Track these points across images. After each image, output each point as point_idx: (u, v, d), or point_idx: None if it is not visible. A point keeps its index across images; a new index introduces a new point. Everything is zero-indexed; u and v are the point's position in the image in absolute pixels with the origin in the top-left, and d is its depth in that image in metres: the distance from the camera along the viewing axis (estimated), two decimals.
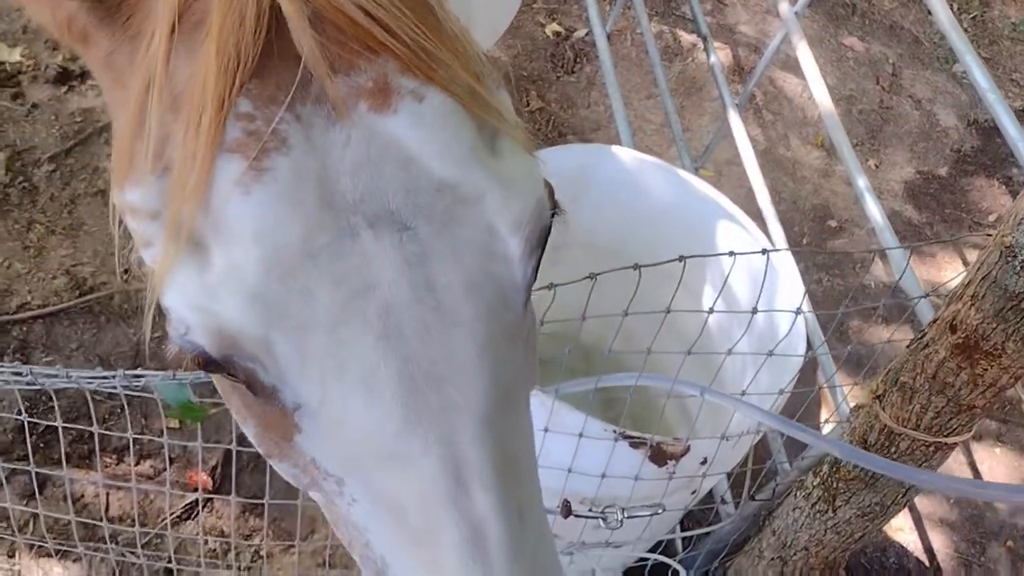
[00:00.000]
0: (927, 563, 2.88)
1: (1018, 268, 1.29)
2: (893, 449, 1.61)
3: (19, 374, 1.68)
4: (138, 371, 1.79)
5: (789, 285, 2.09)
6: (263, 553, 2.61)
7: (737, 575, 2.23)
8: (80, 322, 2.94)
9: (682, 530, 2.48)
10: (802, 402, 2.06)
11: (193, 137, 0.72)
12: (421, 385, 0.77)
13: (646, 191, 2.46)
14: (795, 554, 1.99)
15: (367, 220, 0.73)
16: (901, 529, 2.94)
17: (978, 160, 4.01)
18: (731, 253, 1.44)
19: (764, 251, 1.47)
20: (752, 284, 2.25)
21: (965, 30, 4.39)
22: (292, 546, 2.57)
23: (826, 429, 1.96)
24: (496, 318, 0.80)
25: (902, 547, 2.91)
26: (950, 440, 1.55)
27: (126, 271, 3.09)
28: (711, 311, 1.55)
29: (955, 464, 3.10)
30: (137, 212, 0.80)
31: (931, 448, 1.58)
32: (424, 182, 0.74)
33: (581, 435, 1.78)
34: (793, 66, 2.77)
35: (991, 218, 3.79)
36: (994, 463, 3.14)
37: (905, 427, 1.56)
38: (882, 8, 4.44)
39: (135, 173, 0.77)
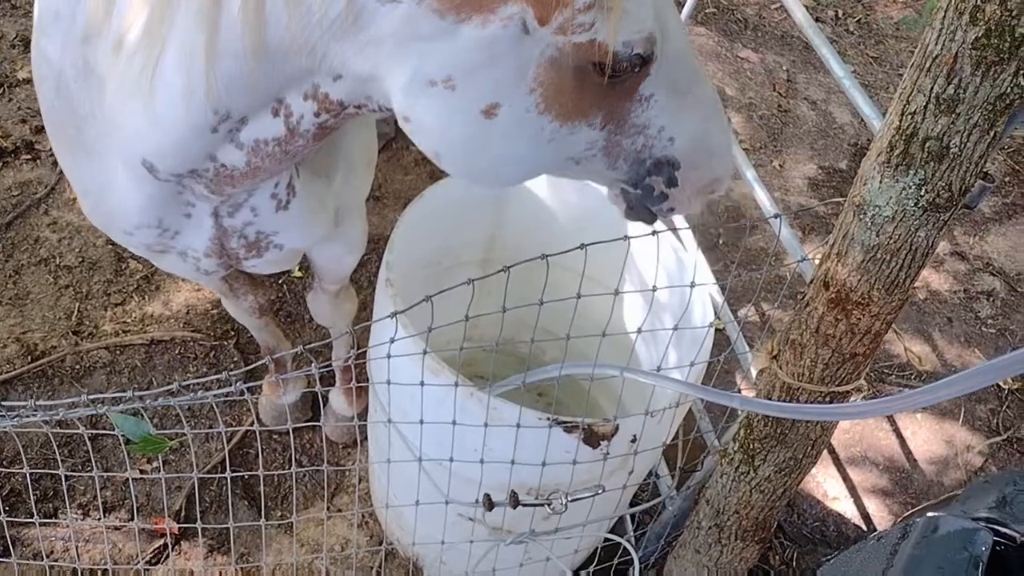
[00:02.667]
0: (864, 527, 3.07)
1: (868, 224, 1.48)
2: (794, 403, 1.80)
3: None
4: (97, 397, 1.88)
5: (700, 276, 2.28)
6: None
7: (682, 548, 2.38)
8: (35, 387, 3.02)
9: (630, 517, 2.64)
10: (719, 376, 2.24)
11: None
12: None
13: (566, 203, 2.64)
14: (728, 519, 2.16)
15: None
16: (837, 498, 3.13)
17: None
18: (626, 238, 1.61)
19: (654, 232, 1.65)
20: (667, 277, 2.44)
21: (851, 33, 4.72)
22: None
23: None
24: None
25: (840, 515, 3.10)
26: (841, 388, 1.73)
27: (76, 332, 3.18)
28: (616, 292, 1.71)
29: (878, 431, 3.31)
30: (584, 8, 1.16)
31: (827, 398, 1.76)
32: None
33: (519, 426, 1.93)
34: None
35: None
36: (917, 428, 3.36)
37: (801, 381, 1.74)
38: (772, 20, 4.75)
39: (569, 1, 1.15)
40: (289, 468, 2.98)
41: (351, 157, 2.04)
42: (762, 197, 2.36)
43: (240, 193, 1.75)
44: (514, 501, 2.07)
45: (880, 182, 1.43)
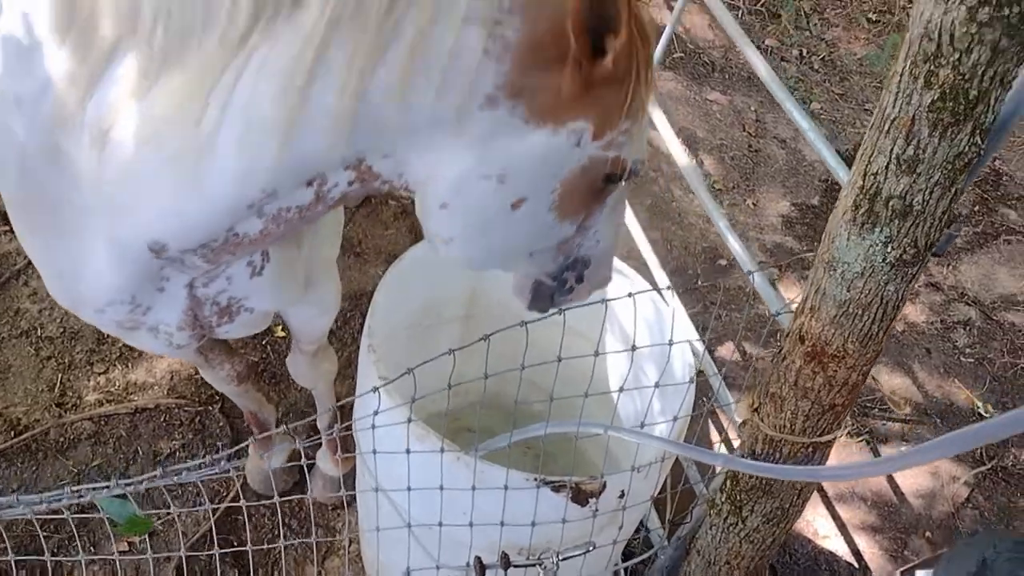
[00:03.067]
0: (856, 564, 3.08)
1: (839, 279, 1.52)
2: (777, 455, 1.81)
3: None
4: (80, 488, 1.88)
5: (679, 324, 2.30)
6: None
7: None
8: (18, 462, 3.00)
9: (624, 570, 2.64)
10: (705, 420, 2.26)
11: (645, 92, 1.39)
12: None
13: None
14: (719, 570, 2.16)
15: None
16: (827, 537, 3.14)
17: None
18: (603, 301, 1.63)
19: (630, 294, 1.67)
20: (647, 329, 2.47)
21: (816, 70, 4.81)
22: None
23: (723, 450, 2.16)
24: None
25: (831, 553, 3.11)
26: (823, 439, 1.75)
27: (59, 404, 3.16)
28: (596, 353, 1.73)
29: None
30: (623, 131, 1.40)
31: (809, 448, 1.78)
32: None
33: (506, 487, 1.94)
34: (663, 126, 3.04)
35: None
36: None
37: (783, 433, 1.76)
38: (737, 63, 4.84)
39: (618, 125, 1.38)
40: (278, 532, 2.96)
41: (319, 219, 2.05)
42: (735, 245, 2.40)
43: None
44: (505, 563, 2.06)
45: (848, 239, 1.47)
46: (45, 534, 2.85)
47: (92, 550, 2.86)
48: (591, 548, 2.10)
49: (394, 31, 1.28)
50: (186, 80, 1.35)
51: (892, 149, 1.34)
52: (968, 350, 3.80)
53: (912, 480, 3.33)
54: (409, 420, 1.83)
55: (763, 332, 3.67)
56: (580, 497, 2.01)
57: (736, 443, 2.06)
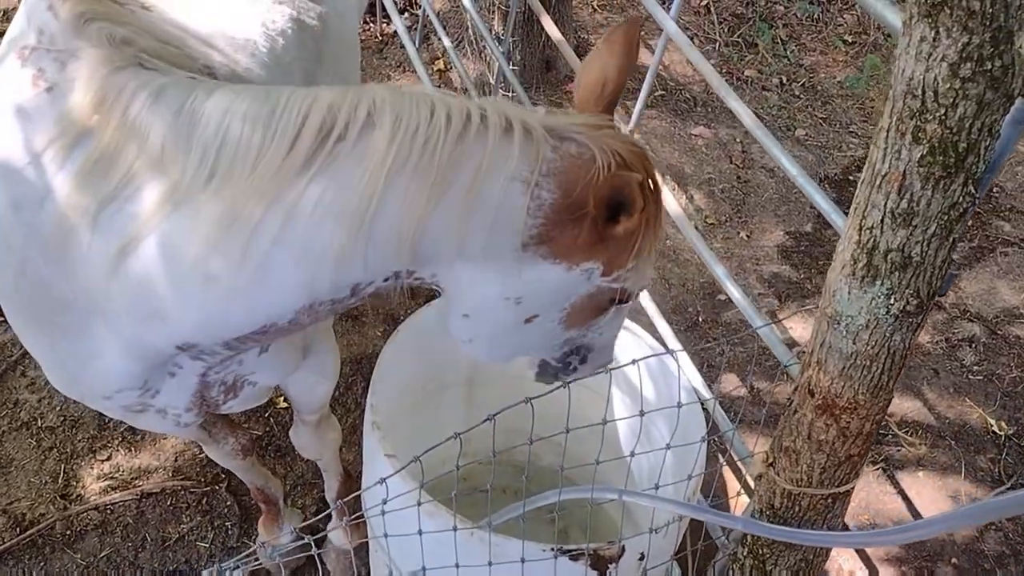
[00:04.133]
0: None
1: (844, 332, 1.50)
2: (797, 508, 1.78)
3: None
4: None
5: (687, 380, 2.28)
6: None
7: None
8: (26, 559, 2.95)
9: None
10: (718, 479, 2.22)
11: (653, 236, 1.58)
12: None
13: None
14: None
15: None
16: (853, 572, 3.09)
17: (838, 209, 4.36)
18: (608, 370, 1.61)
19: (634, 361, 1.65)
20: (653, 382, 2.44)
21: (798, 97, 4.84)
22: None
23: (743, 499, 2.12)
24: None
25: None
26: (842, 489, 1.73)
27: (63, 496, 3.12)
28: (604, 422, 1.70)
29: (883, 494, 3.29)
30: (628, 269, 1.57)
31: (829, 499, 1.75)
32: None
33: (523, 560, 1.90)
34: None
35: None
36: (920, 487, 3.34)
37: (800, 486, 1.73)
38: (718, 96, 4.85)
39: (625, 265, 1.56)
40: None
41: None
42: (733, 291, 2.38)
43: None
44: None
45: (849, 293, 1.45)
46: None
47: None
48: None
49: (455, 178, 1.40)
50: (237, 198, 1.40)
51: (886, 203, 1.33)
52: (976, 367, 3.77)
53: (932, 505, 3.29)
54: (419, 503, 1.80)
55: (767, 364, 3.64)
56: (599, 564, 1.97)
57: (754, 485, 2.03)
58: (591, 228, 1.48)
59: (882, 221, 1.35)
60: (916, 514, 3.27)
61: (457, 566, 1.89)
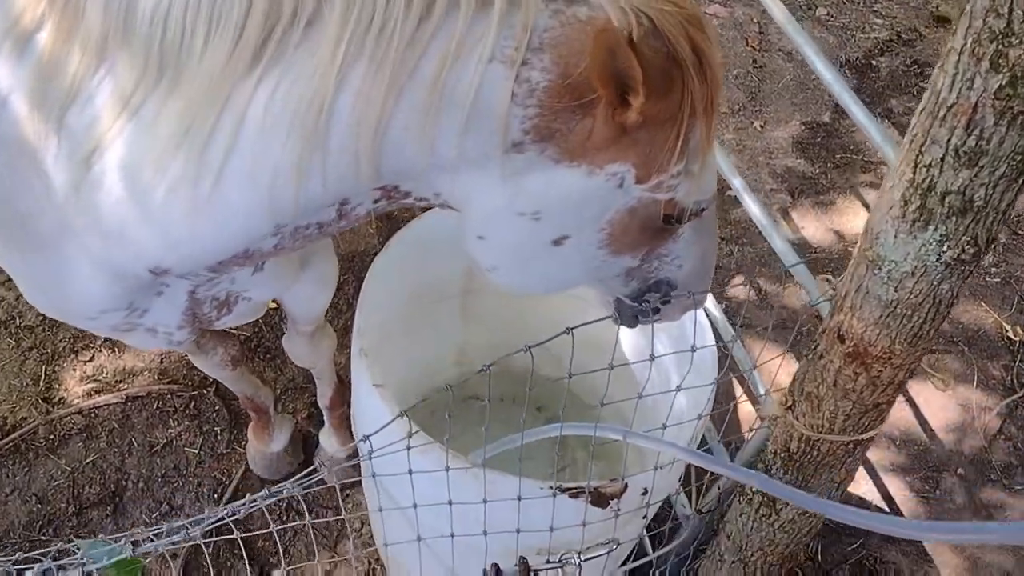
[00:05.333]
0: (887, 509, 2.97)
1: (885, 279, 1.33)
2: (815, 452, 1.66)
3: None
4: (60, 548, 1.75)
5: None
6: None
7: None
8: (9, 464, 2.87)
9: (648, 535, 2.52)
10: (729, 402, 2.10)
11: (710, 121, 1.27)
12: None
13: None
14: (752, 555, 2.03)
15: None
16: (856, 482, 3.02)
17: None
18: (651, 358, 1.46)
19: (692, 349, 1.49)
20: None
21: None
22: None
23: (758, 435, 2.01)
24: None
25: (860, 499, 2.99)
26: (865, 436, 1.60)
27: (46, 399, 3.02)
28: (611, 367, 1.56)
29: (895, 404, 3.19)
30: (675, 174, 1.30)
31: (850, 446, 1.63)
32: None
33: (520, 498, 1.79)
34: None
35: (880, 154, 3.89)
36: (930, 395, 3.24)
37: (821, 432, 1.60)
38: None
39: (668, 168, 1.28)
40: (286, 516, 2.85)
41: None
42: (751, 206, 2.20)
43: None
44: (524, 569, 1.94)
45: (895, 237, 1.27)
46: (44, 538, 2.74)
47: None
48: (615, 547, 1.97)
49: (418, 69, 1.19)
50: (190, 102, 1.25)
51: (949, 139, 1.14)
52: (994, 269, 3.61)
53: (941, 414, 3.19)
54: (408, 448, 1.67)
55: (776, 266, 3.48)
56: (600, 501, 1.87)
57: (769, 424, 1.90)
58: (607, 117, 1.21)
59: (942, 159, 1.16)
60: (925, 423, 3.17)
61: (450, 503, 1.79)
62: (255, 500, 1.47)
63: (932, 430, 3.15)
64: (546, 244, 1.38)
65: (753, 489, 1.90)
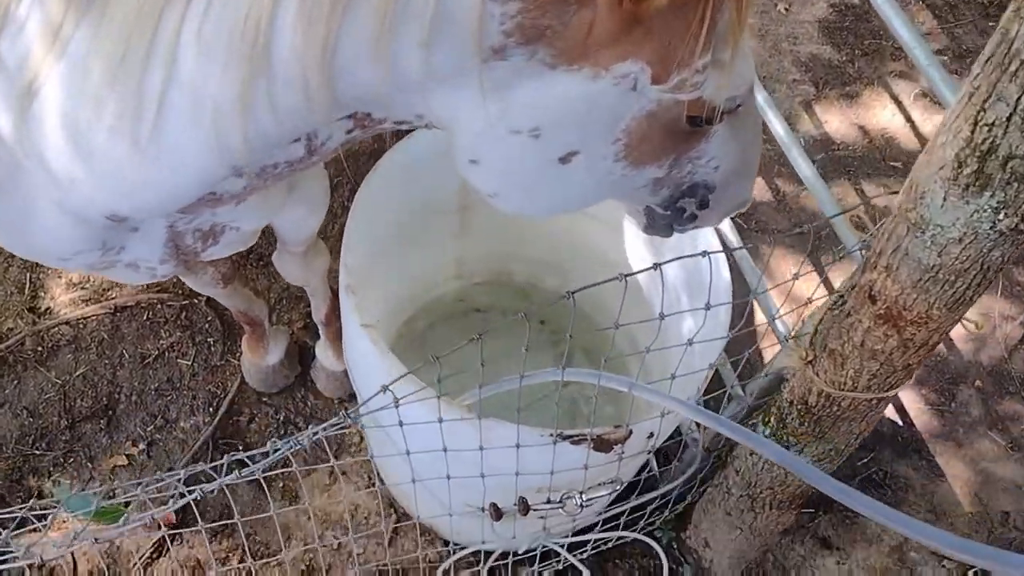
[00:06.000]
0: (900, 422, 2.89)
1: (928, 243, 1.17)
2: (835, 408, 1.54)
3: None
4: (43, 503, 1.68)
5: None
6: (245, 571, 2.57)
7: (711, 504, 2.21)
8: None
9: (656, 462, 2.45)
10: (746, 329, 1.98)
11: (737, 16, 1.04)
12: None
13: None
14: (761, 492, 1.96)
15: None
16: None
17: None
18: (622, 277, 1.30)
19: (701, 253, 1.34)
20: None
21: None
22: (272, 560, 2.53)
23: (771, 371, 1.89)
24: None
25: None
26: (890, 393, 1.48)
27: (32, 309, 2.92)
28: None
29: None
30: (700, 69, 1.08)
31: (873, 401, 1.51)
32: None
33: (518, 446, 1.69)
34: None
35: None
36: None
37: (843, 390, 1.48)
38: None
39: (690, 62, 1.07)
40: (283, 431, 2.79)
41: None
42: (800, 163, 2.00)
43: None
44: (524, 508, 1.87)
45: (944, 200, 1.11)
46: (39, 451, 2.69)
47: (90, 465, 2.70)
48: (618, 488, 1.90)
49: None
50: (121, 29, 1.08)
51: (1020, 98, 0.96)
52: None
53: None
54: (397, 405, 1.55)
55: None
56: (603, 446, 1.77)
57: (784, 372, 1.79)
58: (611, 4, 1.00)
59: (1008, 119, 0.99)
60: None
61: (445, 450, 1.69)
62: (277, 447, 1.36)
63: (950, 339, 3.04)
64: (551, 163, 1.19)
65: (764, 433, 1.79)
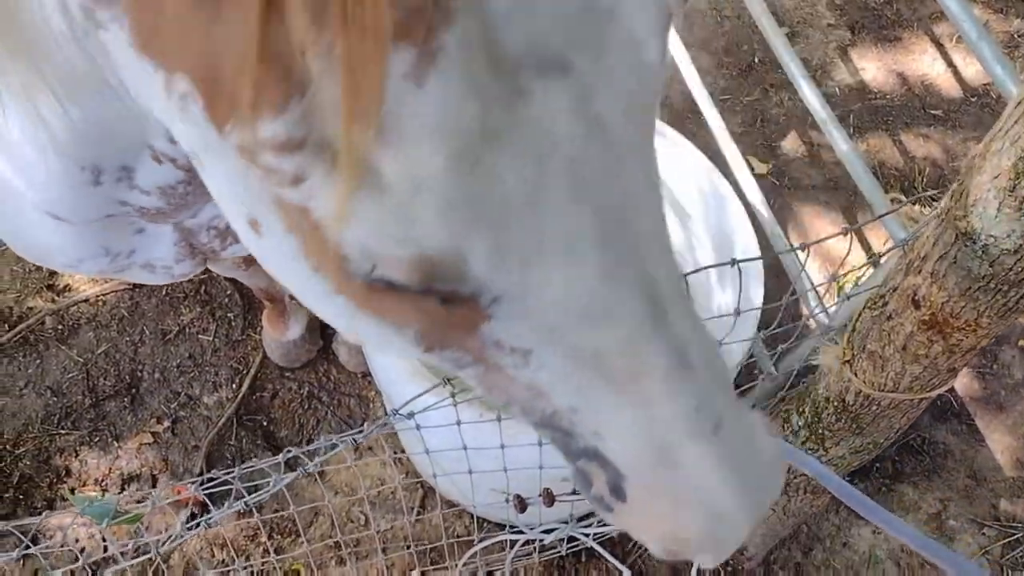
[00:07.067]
0: None
1: (979, 253, 1.08)
2: (874, 407, 1.47)
3: None
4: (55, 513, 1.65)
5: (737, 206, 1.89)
6: (271, 549, 2.56)
7: None
8: (20, 357, 2.78)
9: None
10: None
11: (349, 35, 0.53)
12: (613, 229, 0.68)
13: None
14: (795, 477, 1.89)
15: (534, 72, 0.60)
16: None
17: None
18: (734, 262, 1.22)
19: (733, 262, 1.25)
20: (705, 209, 2.04)
21: None
22: (299, 536, 2.52)
23: (804, 347, 1.81)
24: (649, 127, 0.71)
25: None
26: (933, 393, 1.39)
27: (50, 287, 2.89)
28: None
29: None
30: (278, 146, 0.60)
31: (915, 401, 1.43)
32: (568, 5, 0.61)
33: (541, 444, 1.64)
34: None
35: None
36: None
37: (883, 391, 1.40)
38: None
39: (267, 103, 0.58)
40: (306, 405, 2.76)
41: None
42: (839, 143, 1.88)
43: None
44: (549, 499, 1.82)
45: (999, 210, 1.01)
46: (64, 430, 2.69)
47: (116, 444, 2.70)
48: None
49: None
50: None
51: None
52: None
53: None
54: (413, 415, 1.49)
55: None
56: None
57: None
58: None
59: None
60: None
61: (465, 448, 1.65)
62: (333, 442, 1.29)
63: None
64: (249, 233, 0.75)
65: (799, 423, 1.72)
